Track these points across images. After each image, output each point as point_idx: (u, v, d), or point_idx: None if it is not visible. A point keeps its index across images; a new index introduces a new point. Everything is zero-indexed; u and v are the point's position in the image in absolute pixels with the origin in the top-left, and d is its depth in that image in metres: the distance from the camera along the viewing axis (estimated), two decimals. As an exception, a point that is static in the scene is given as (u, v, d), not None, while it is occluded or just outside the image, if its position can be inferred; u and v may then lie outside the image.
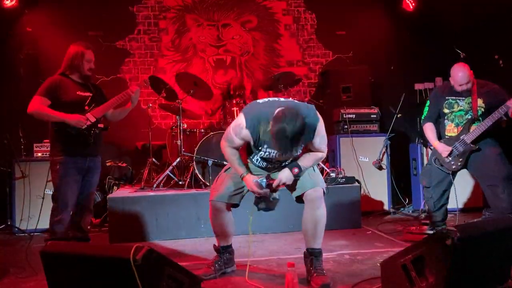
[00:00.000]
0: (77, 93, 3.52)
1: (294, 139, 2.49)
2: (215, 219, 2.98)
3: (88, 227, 4.86)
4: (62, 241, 3.26)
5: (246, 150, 2.97)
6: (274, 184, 2.77)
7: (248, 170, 2.88)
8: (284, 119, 2.47)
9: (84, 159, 3.53)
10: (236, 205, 3.00)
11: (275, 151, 2.76)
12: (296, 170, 2.76)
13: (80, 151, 3.50)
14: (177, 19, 6.31)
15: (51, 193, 3.52)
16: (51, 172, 3.48)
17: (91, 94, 3.59)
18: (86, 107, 3.52)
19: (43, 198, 3.81)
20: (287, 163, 2.88)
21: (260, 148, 2.80)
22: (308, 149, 2.86)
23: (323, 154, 2.88)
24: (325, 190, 2.88)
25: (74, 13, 5.95)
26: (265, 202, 2.84)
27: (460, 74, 3.67)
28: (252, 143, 2.79)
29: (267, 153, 2.81)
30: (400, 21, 6.47)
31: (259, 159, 2.90)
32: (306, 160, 2.82)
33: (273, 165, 2.92)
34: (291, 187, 2.89)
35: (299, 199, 2.90)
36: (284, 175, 2.77)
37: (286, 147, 2.54)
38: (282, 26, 6.51)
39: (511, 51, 5.28)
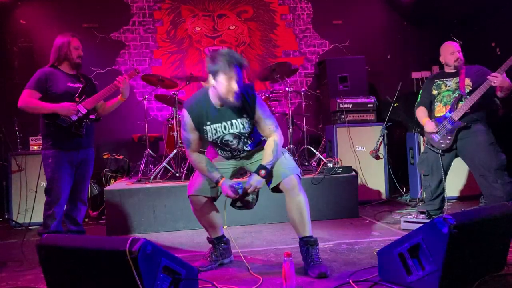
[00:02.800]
0: (68, 84, 3.46)
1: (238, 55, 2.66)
2: (198, 214, 2.97)
3: (86, 220, 4.92)
4: (56, 234, 3.26)
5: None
6: (249, 190, 2.78)
7: (221, 174, 2.87)
8: (217, 55, 2.66)
9: (76, 151, 3.48)
10: (215, 199, 2.97)
11: (219, 125, 2.79)
12: (263, 172, 2.76)
13: (72, 143, 3.45)
14: (172, 10, 6.26)
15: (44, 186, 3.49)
16: (43, 166, 3.43)
17: (81, 85, 3.53)
18: (77, 99, 3.46)
19: (36, 191, 3.78)
20: (246, 147, 2.90)
21: (205, 129, 2.81)
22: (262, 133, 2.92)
23: (276, 139, 2.83)
24: (299, 175, 2.87)
25: (68, 5, 5.92)
26: (241, 202, 2.84)
27: (448, 48, 3.81)
28: (195, 126, 2.81)
29: (214, 133, 2.81)
30: (396, 9, 6.45)
31: (220, 150, 2.94)
32: (266, 157, 2.80)
33: (237, 152, 2.93)
34: (267, 180, 2.88)
35: (275, 189, 2.88)
36: (254, 180, 2.77)
37: (232, 57, 2.64)
38: (278, 16, 6.47)
39: (508, 39, 5.26)
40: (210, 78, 2.70)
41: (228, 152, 2.95)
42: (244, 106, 2.76)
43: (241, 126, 2.81)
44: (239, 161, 3.01)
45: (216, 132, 2.82)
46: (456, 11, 5.97)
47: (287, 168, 2.83)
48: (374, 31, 6.40)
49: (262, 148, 2.90)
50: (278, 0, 6.46)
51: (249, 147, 2.93)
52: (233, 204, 2.88)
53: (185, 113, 2.82)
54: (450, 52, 3.80)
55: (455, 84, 3.78)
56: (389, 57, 6.48)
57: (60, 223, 3.45)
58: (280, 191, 2.87)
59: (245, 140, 2.89)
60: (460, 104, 3.69)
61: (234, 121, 2.80)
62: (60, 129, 3.39)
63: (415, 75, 6.24)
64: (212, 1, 6.30)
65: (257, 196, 2.90)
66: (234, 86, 2.65)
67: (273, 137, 2.85)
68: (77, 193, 3.56)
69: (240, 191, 2.76)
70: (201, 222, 3.02)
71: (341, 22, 6.47)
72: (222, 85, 2.66)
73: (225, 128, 2.81)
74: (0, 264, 3.31)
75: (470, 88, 3.71)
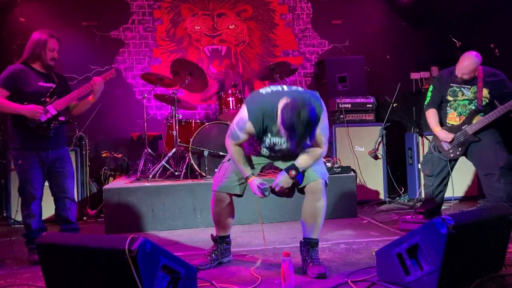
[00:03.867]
0: (39, 83, 3.33)
1: (304, 130, 2.45)
2: (216, 209, 2.98)
3: (85, 218, 4.92)
4: (38, 232, 3.25)
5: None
6: (276, 189, 2.79)
7: (253, 170, 2.88)
8: (292, 111, 2.43)
9: (46, 152, 3.35)
10: (239, 195, 2.98)
11: (281, 139, 2.74)
12: (293, 172, 2.74)
13: (40, 144, 3.32)
14: (171, 9, 6.25)
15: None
16: (14, 167, 3.32)
17: (53, 85, 3.38)
18: (48, 99, 3.32)
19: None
20: (291, 152, 2.85)
21: (263, 138, 2.79)
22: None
23: (322, 151, 2.81)
24: (327, 181, 2.87)
25: (67, 3, 5.91)
26: (277, 194, 2.86)
27: (465, 63, 3.64)
28: (255, 135, 2.77)
29: (272, 142, 2.79)
30: (396, 10, 6.45)
31: (265, 149, 2.89)
32: (303, 160, 2.78)
33: (276, 154, 2.92)
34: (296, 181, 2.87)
35: (301, 190, 2.90)
36: (281, 181, 2.77)
37: (298, 138, 2.48)
38: (277, 15, 6.46)
39: (507, 40, 5.28)
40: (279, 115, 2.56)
41: (269, 152, 2.92)
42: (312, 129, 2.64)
43: (307, 142, 2.73)
44: (272, 159, 3.01)
45: (275, 143, 2.79)
46: (455, 12, 5.98)
47: (317, 171, 2.83)
48: (374, 31, 6.41)
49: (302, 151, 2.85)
50: (278, 0, 6.46)
51: (292, 151, 2.86)
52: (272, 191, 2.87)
53: (247, 119, 2.71)
54: (472, 70, 3.63)
55: (472, 94, 3.69)
56: (388, 57, 6.49)
57: (40, 220, 3.39)
58: (303, 192, 2.87)
59: (299, 148, 2.82)
60: (477, 117, 3.65)
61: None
62: (28, 129, 3.27)
63: (414, 75, 6.24)
64: (211, 0, 6.30)
65: (291, 189, 2.85)
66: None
67: (321, 149, 2.81)
68: (62, 192, 3.46)
69: (266, 193, 2.78)
70: (214, 217, 3.02)
71: (341, 22, 6.47)
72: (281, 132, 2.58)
73: (284, 142, 2.76)
74: (-1, 262, 3.32)
75: (487, 101, 3.66)
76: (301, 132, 2.45)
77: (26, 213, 3.34)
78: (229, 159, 3.00)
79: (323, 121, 2.72)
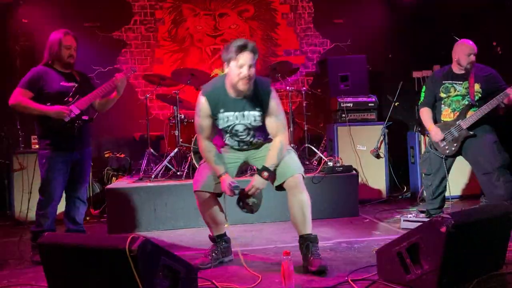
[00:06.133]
0: (61, 83, 3.38)
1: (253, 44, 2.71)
2: (203, 209, 3.00)
3: (88, 218, 4.94)
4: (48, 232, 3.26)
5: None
6: (250, 192, 2.82)
7: (228, 168, 2.92)
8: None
9: (71, 152, 3.42)
10: (220, 194, 2.99)
11: (232, 114, 2.82)
12: (265, 174, 2.80)
13: (65, 145, 3.38)
14: (173, 9, 6.27)
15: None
16: (38, 165, 3.38)
17: (75, 85, 3.44)
18: (70, 99, 3.37)
19: (30, 192, 3.80)
20: (254, 140, 2.94)
21: (218, 117, 2.84)
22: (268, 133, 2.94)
23: (281, 139, 2.86)
24: (303, 174, 2.90)
25: (70, 4, 5.91)
26: (243, 204, 2.87)
27: (467, 43, 3.68)
28: (210, 112, 2.84)
29: (226, 120, 2.85)
30: (397, 8, 6.43)
31: (228, 137, 2.96)
32: (270, 159, 2.83)
33: (244, 143, 2.97)
34: (271, 180, 2.90)
35: (279, 188, 2.92)
36: (256, 182, 2.82)
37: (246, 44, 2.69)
38: (279, 15, 6.47)
39: (509, 38, 5.26)
40: (225, 66, 2.76)
41: (235, 142, 2.98)
42: (258, 98, 2.80)
43: (252, 118, 2.85)
44: (245, 154, 3.04)
45: (228, 120, 2.85)
46: (457, 10, 5.96)
47: (292, 166, 2.87)
48: (375, 30, 6.38)
49: (269, 142, 2.93)
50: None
51: (256, 139, 2.96)
52: (238, 204, 2.90)
53: (202, 99, 2.85)
54: (467, 54, 3.67)
55: (464, 90, 3.72)
56: (390, 56, 6.47)
57: (53, 222, 3.43)
58: (283, 189, 2.89)
59: (254, 133, 2.92)
60: (470, 112, 3.66)
61: (246, 113, 2.83)
62: (53, 130, 3.33)
63: (416, 74, 6.24)
64: (213, 0, 6.31)
65: (260, 200, 2.91)
66: (244, 72, 2.68)
67: (280, 138, 2.87)
68: (76, 193, 3.53)
69: (236, 191, 2.79)
70: (204, 218, 3.05)
71: (342, 21, 6.46)
72: (232, 72, 2.71)
73: (236, 118, 2.84)
74: (2, 261, 3.34)
75: (480, 95, 3.67)
76: (245, 42, 2.71)
77: (42, 213, 3.38)
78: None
79: (275, 107, 2.84)
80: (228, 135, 2.96)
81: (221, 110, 2.84)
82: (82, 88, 3.46)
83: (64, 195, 3.53)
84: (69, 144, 3.40)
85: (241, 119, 2.84)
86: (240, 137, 2.94)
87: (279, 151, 2.84)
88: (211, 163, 2.89)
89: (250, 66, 2.69)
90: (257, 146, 3.02)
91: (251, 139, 2.95)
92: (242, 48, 2.68)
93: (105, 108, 3.67)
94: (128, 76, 3.63)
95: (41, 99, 3.31)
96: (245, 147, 3.02)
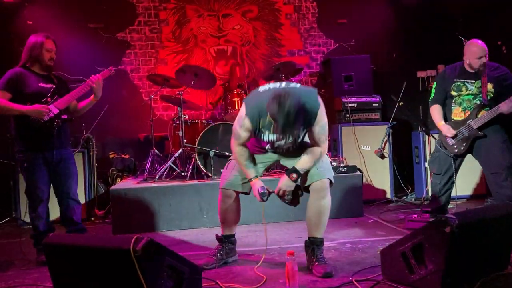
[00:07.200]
0: (39, 84, 3.37)
1: (293, 119, 2.49)
2: (222, 206, 3.01)
3: (92, 219, 4.97)
4: (46, 233, 3.21)
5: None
6: (279, 194, 2.83)
7: (257, 167, 2.92)
8: (280, 98, 2.50)
9: (51, 152, 3.39)
10: (246, 193, 3.01)
11: (276, 135, 2.77)
12: (294, 175, 2.77)
13: (44, 144, 3.35)
14: (177, 10, 6.28)
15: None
16: (20, 170, 3.35)
17: (53, 86, 3.43)
18: (49, 99, 3.35)
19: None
20: (293, 148, 2.87)
21: (261, 136, 2.82)
22: (309, 143, 2.87)
23: (321, 150, 2.82)
24: (332, 180, 2.88)
25: (74, 6, 5.95)
26: (282, 200, 2.88)
27: (473, 49, 3.62)
28: (251, 128, 2.80)
29: (270, 139, 2.82)
30: (401, 8, 6.41)
31: (269, 147, 2.92)
32: (304, 162, 2.80)
33: (278, 150, 2.95)
34: (302, 181, 2.89)
35: (306, 189, 2.91)
36: (283, 184, 2.80)
37: (285, 127, 2.53)
38: (283, 15, 6.47)
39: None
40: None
41: (271, 149, 2.95)
42: (304, 123, 2.69)
43: (297, 136, 2.80)
44: (278, 155, 3.03)
45: (273, 140, 2.81)
46: (462, 10, 5.94)
47: (321, 170, 2.84)
48: (379, 30, 6.37)
49: (305, 148, 2.87)
50: (283, 0, 6.46)
51: (295, 147, 2.90)
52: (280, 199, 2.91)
53: (244, 115, 2.77)
54: (477, 57, 3.60)
55: (476, 89, 3.67)
56: (394, 56, 6.46)
57: (48, 221, 3.44)
58: (309, 191, 2.89)
59: (296, 144, 2.87)
60: (482, 112, 3.62)
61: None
62: (32, 131, 3.31)
63: (421, 74, 6.22)
64: (217, 0, 6.31)
65: (297, 193, 2.89)
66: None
67: (320, 148, 2.81)
68: (66, 193, 3.48)
69: (264, 198, 2.82)
70: (221, 215, 3.06)
71: (346, 21, 6.45)
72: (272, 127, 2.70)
73: (278, 137, 2.78)
74: (7, 262, 3.36)
75: (492, 95, 3.63)
76: (284, 122, 2.50)
77: (34, 215, 3.39)
78: None
79: (321, 119, 2.74)
80: (269, 145, 2.91)
81: (266, 132, 2.79)
82: (59, 90, 3.46)
83: (56, 199, 3.51)
84: (48, 144, 3.37)
85: (287, 139, 2.77)
86: (279, 150, 2.92)
87: (315, 158, 2.80)
88: (242, 167, 2.89)
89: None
90: (293, 152, 2.95)
91: (290, 148, 2.90)
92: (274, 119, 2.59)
93: (82, 112, 3.64)
94: (105, 77, 3.57)
95: (20, 99, 3.29)
96: (280, 152, 2.99)
